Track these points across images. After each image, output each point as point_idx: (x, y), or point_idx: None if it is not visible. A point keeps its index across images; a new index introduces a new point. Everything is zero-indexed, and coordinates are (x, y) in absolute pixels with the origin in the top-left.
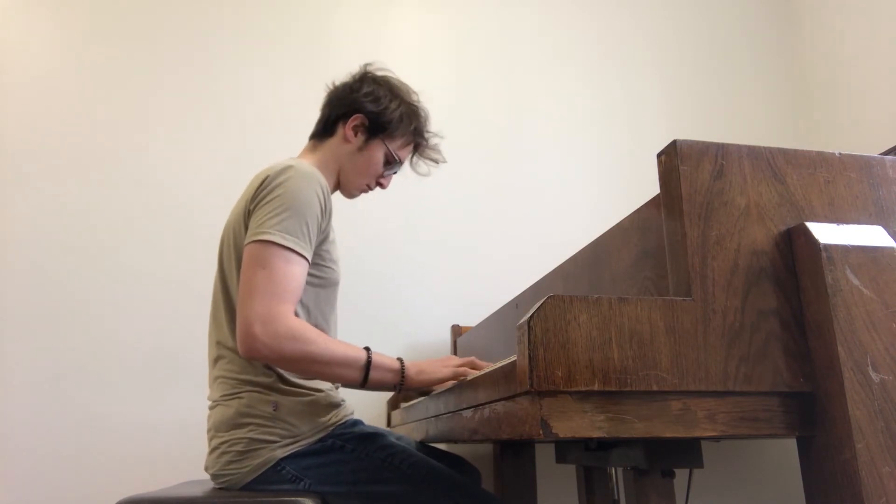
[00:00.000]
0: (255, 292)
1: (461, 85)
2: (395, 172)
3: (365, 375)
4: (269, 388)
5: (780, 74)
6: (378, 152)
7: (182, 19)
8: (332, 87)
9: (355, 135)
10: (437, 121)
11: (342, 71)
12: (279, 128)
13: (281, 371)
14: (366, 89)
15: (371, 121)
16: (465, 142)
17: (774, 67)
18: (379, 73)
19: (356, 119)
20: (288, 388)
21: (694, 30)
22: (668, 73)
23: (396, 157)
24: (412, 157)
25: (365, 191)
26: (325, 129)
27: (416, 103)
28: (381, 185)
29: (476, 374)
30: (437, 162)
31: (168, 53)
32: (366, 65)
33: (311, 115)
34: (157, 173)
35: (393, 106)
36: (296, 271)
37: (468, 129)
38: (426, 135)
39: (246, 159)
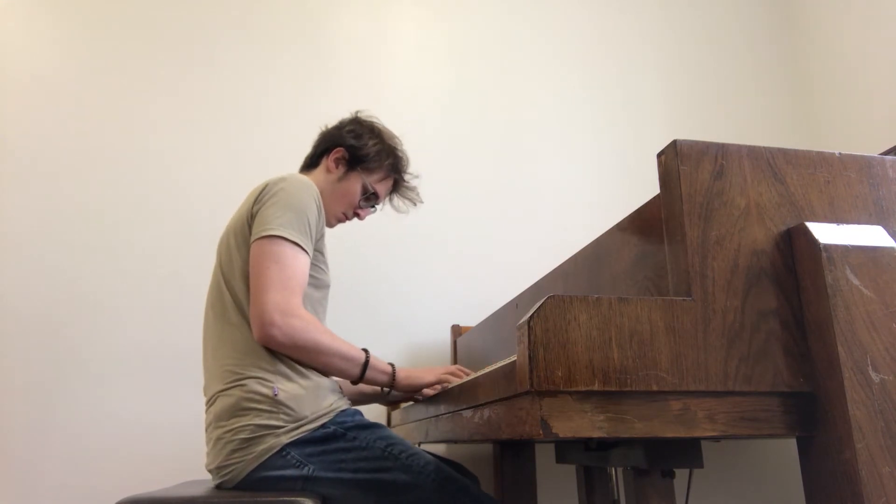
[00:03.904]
0: (271, 285)
1: (461, 85)
2: (373, 207)
3: (362, 373)
4: (270, 373)
5: (780, 75)
6: (356, 184)
7: (183, 19)
8: (324, 128)
9: (336, 166)
10: (437, 122)
11: (342, 69)
12: (279, 127)
13: (280, 360)
14: (349, 127)
15: (351, 154)
16: (464, 142)
17: (774, 68)
18: (366, 118)
19: (338, 152)
20: (288, 373)
21: (694, 30)
22: (668, 74)
23: (372, 190)
24: (391, 195)
25: (342, 220)
26: (311, 162)
27: (395, 145)
28: (358, 216)
29: (458, 381)
30: (413, 202)
31: (169, 53)
32: (357, 111)
33: (312, 114)
34: (157, 173)
35: (371, 143)
36: (302, 265)
37: (468, 129)
38: (403, 174)
39: (246, 159)
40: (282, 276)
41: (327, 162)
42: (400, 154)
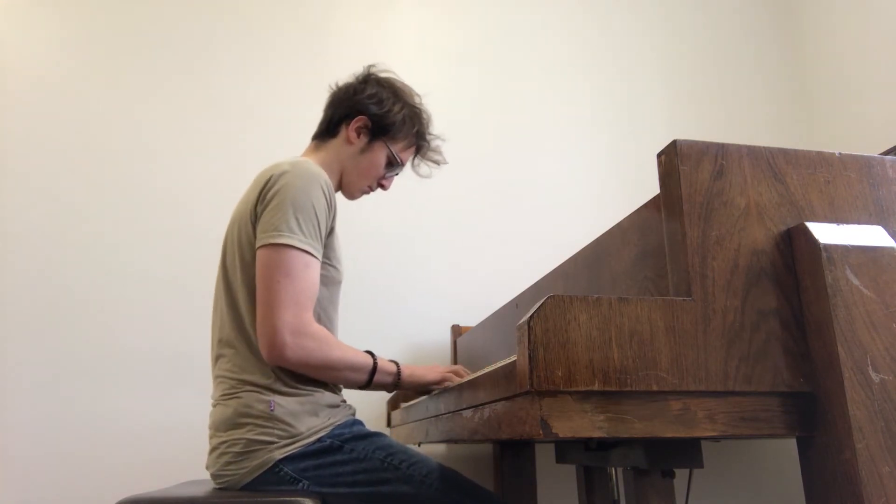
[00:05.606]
0: (281, 302)
1: (461, 84)
2: (397, 174)
3: (370, 379)
4: (268, 389)
5: (780, 74)
6: (380, 154)
7: (182, 20)
8: (335, 87)
9: (358, 136)
10: (437, 121)
11: (342, 69)
12: (280, 126)
13: (279, 374)
14: (369, 91)
15: (374, 123)
16: (464, 141)
17: (774, 67)
18: (382, 75)
19: (359, 121)
20: (286, 388)
21: (694, 30)
22: (668, 73)
23: (398, 160)
24: (413, 158)
25: (366, 192)
26: (328, 130)
27: (418, 106)
28: (382, 187)
29: (460, 380)
30: (437, 164)
31: (169, 52)
32: (369, 66)
33: (312, 114)
34: (157, 173)
35: (396, 108)
36: (313, 275)
37: (468, 129)
38: (428, 137)
39: (247, 158)
40: (291, 291)
41: (347, 132)
42: (425, 117)
